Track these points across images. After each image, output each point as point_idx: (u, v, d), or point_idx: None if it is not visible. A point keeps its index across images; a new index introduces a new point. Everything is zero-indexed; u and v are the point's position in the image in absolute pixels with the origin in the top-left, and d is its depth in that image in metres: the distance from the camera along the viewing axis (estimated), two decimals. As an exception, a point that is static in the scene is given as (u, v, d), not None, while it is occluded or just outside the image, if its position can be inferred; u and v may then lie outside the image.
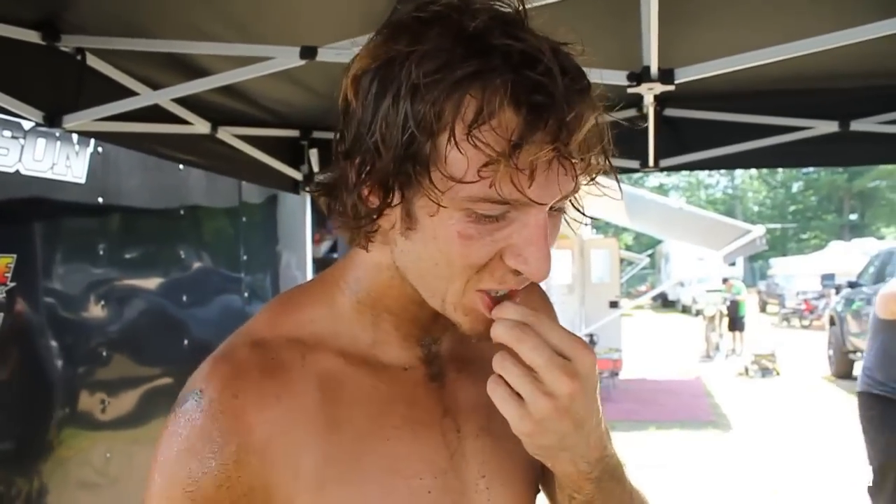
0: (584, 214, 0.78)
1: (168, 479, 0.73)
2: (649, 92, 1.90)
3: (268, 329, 0.81)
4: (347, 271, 0.83)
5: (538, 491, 0.91)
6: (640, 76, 1.83)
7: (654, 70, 1.81)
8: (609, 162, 0.72)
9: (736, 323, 15.17)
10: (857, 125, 2.79)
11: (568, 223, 0.78)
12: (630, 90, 1.87)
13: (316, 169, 3.24)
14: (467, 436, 0.83)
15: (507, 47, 0.64)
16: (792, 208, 47.80)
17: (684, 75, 1.86)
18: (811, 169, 40.55)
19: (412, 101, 0.65)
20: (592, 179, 0.73)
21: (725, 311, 15.41)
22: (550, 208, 0.70)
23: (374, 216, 0.72)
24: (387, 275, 0.79)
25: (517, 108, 0.63)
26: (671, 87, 1.86)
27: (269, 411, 0.74)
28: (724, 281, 16.44)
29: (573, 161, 0.66)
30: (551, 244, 0.72)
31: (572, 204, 0.76)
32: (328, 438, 0.76)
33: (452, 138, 0.64)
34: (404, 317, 0.82)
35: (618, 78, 1.85)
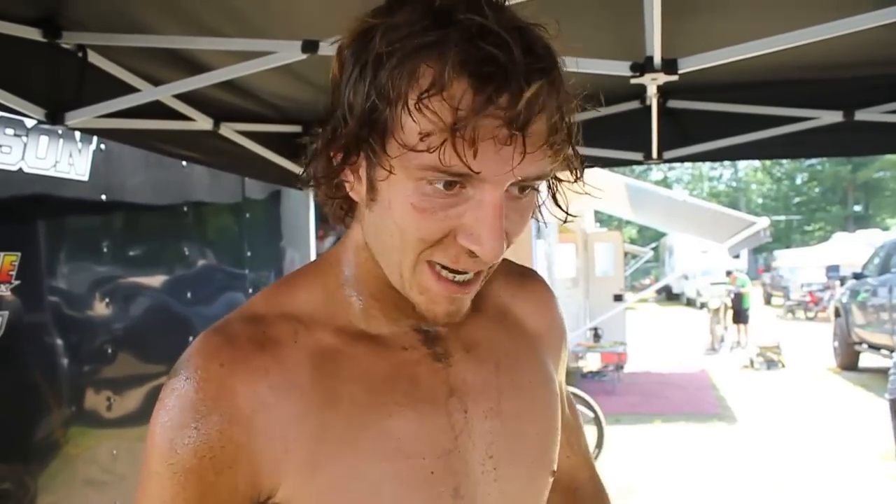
0: (562, 209, 0.78)
1: (153, 453, 0.73)
2: (653, 82, 1.88)
3: (264, 306, 0.81)
4: (339, 255, 0.84)
5: (553, 475, 0.90)
6: (644, 66, 1.82)
7: (657, 60, 1.80)
8: (576, 150, 0.72)
9: (740, 315, 15.15)
10: (861, 115, 2.77)
11: (540, 213, 0.79)
12: (633, 80, 1.86)
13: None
14: (475, 416, 0.82)
15: (468, 21, 0.65)
16: (796, 200, 47.69)
17: (688, 65, 1.85)
18: (815, 160, 40.48)
19: (375, 70, 0.67)
20: (560, 166, 0.73)
21: (730, 304, 15.39)
22: (520, 190, 0.70)
23: (336, 174, 0.74)
24: (363, 255, 0.80)
25: (467, 79, 0.64)
26: (675, 77, 1.85)
27: (257, 384, 0.73)
28: (728, 273, 16.42)
29: (524, 137, 0.65)
30: (519, 229, 0.72)
31: (554, 198, 0.77)
32: (323, 414, 0.74)
33: (406, 107, 0.65)
34: (387, 303, 0.81)
35: (621, 68, 1.84)
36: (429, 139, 0.64)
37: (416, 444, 0.77)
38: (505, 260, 0.97)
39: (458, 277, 0.73)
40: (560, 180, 0.77)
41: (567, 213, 0.79)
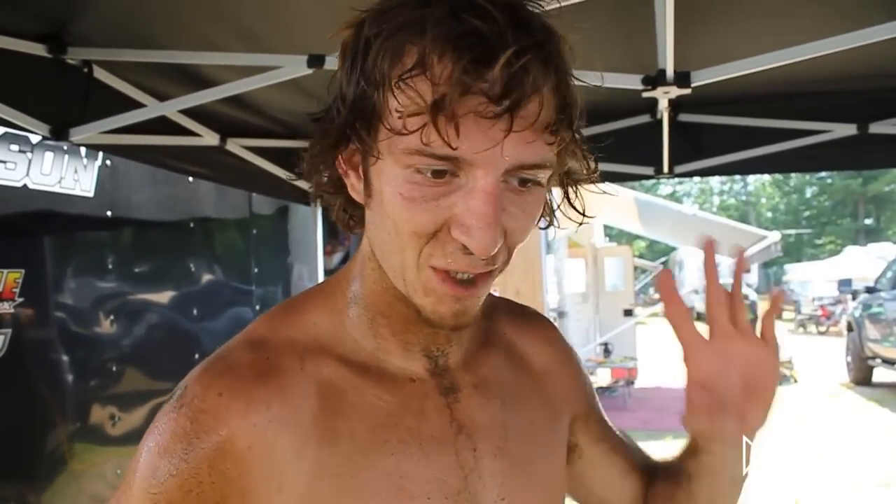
0: (576, 209, 0.75)
1: (136, 477, 0.69)
2: (665, 96, 1.86)
3: (268, 331, 0.76)
4: (349, 272, 0.80)
5: None
6: (656, 80, 1.80)
7: (669, 73, 1.78)
8: (579, 136, 0.68)
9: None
10: (876, 128, 2.73)
11: (552, 215, 0.75)
12: (645, 94, 1.84)
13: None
14: (485, 455, 0.78)
15: None
16: (806, 213, 47.48)
17: (700, 78, 1.83)
18: (825, 173, 40.35)
19: (364, 56, 0.65)
20: (566, 157, 0.69)
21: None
22: (522, 183, 0.66)
23: (328, 163, 0.72)
24: (370, 266, 0.76)
25: (452, 56, 0.60)
26: (687, 91, 1.82)
27: (256, 416, 0.69)
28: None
29: (512, 115, 0.60)
30: (521, 225, 0.68)
31: (567, 197, 0.74)
32: (323, 451, 0.70)
33: (391, 88, 0.62)
34: (395, 318, 0.76)
35: (632, 82, 1.81)
36: (411, 120, 0.61)
37: (421, 484, 0.73)
38: (508, 300, 0.94)
39: (461, 275, 0.68)
40: (572, 179, 0.74)
41: (582, 213, 0.75)
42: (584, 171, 0.74)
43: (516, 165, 0.64)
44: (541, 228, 0.77)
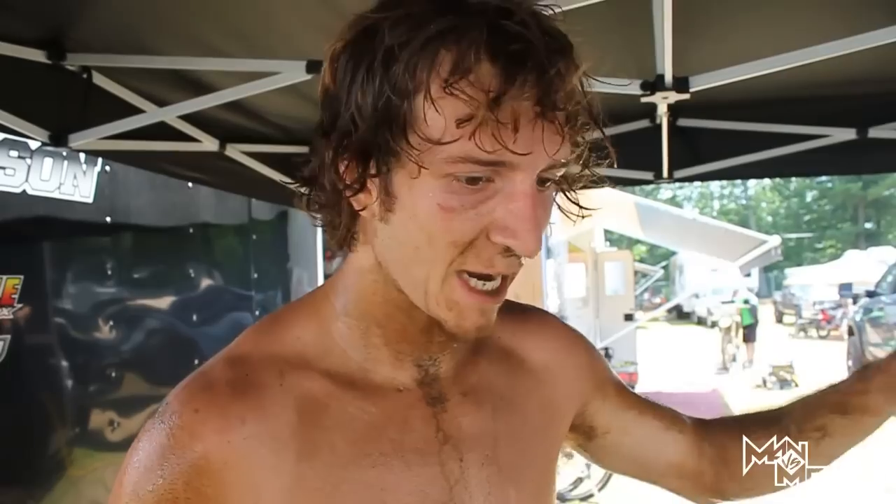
0: (579, 206, 0.75)
1: (120, 493, 0.70)
2: (664, 101, 1.86)
3: (250, 346, 0.76)
4: (337, 283, 0.79)
5: None
6: (654, 85, 1.80)
7: (668, 78, 1.78)
8: (602, 130, 0.70)
9: (746, 334, 15.11)
10: (875, 132, 2.72)
11: (562, 210, 0.75)
12: (644, 99, 1.84)
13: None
14: (471, 465, 0.77)
15: (482, 5, 0.62)
16: (806, 218, 47.49)
17: (699, 83, 1.82)
18: (825, 177, 40.35)
19: (386, 65, 0.63)
20: (582, 150, 0.70)
21: (741, 322, 15.30)
22: (541, 183, 0.66)
23: (356, 188, 0.68)
24: (370, 278, 0.74)
25: (495, 59, 0.61)
26: (686, 96, 1.82)
27: (232, 433, 0.68)
28: (735, 293, 16.36)
29: (557, 114, 0.62)
30: (543, 221, 0.68)
31: (565, 194, 0.74)
32: (301, 465, 0.70)
33: (429, 96, 0.61)
34: (392, 328, 0.76)
35: (631, 87, 1.81)
36: (463, 126, 0.60)
37: (403, 497, 0.72)
38: (505, 300, 0.93)
39: (488, 286, 0.68)
40: (576, 179, 0.75)
41: (581, 206, 0.75)
42: (588, 172, 0.74)
43: (550, 165, 0.65)
44: None
